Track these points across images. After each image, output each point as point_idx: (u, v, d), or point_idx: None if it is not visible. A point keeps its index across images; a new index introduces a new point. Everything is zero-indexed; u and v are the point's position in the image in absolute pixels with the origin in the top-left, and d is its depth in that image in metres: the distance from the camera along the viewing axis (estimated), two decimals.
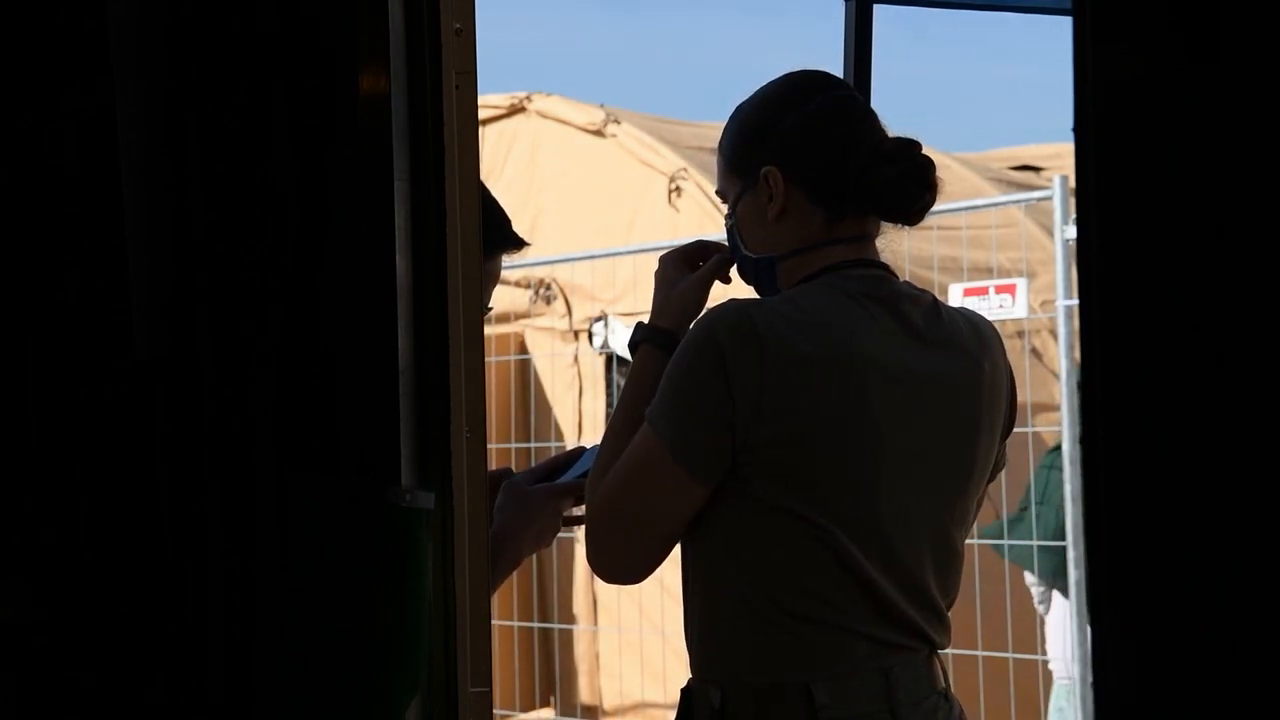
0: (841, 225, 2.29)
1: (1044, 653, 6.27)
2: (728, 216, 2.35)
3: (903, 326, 2.24)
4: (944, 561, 2.26)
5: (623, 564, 2.25)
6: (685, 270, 2.41)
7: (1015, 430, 2.38)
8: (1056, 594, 6.17)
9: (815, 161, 2.27)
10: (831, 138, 2.28)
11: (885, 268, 2.31)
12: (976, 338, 2.31)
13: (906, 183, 2.26)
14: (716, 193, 2.40)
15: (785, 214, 2.28)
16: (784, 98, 2.32)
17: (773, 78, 2.39)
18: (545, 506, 2.46)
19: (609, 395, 7.97)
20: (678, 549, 2.29)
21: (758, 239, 2.31)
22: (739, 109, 2.36)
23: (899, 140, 2.30)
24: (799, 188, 2.28)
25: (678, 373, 2.18)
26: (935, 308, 2.31)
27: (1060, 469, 5.94)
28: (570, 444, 7.63)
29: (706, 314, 2.22)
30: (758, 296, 2.30)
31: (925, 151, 2.32)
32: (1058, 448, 6.10)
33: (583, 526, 2.30)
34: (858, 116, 2.33)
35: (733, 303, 2.24)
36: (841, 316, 2.19)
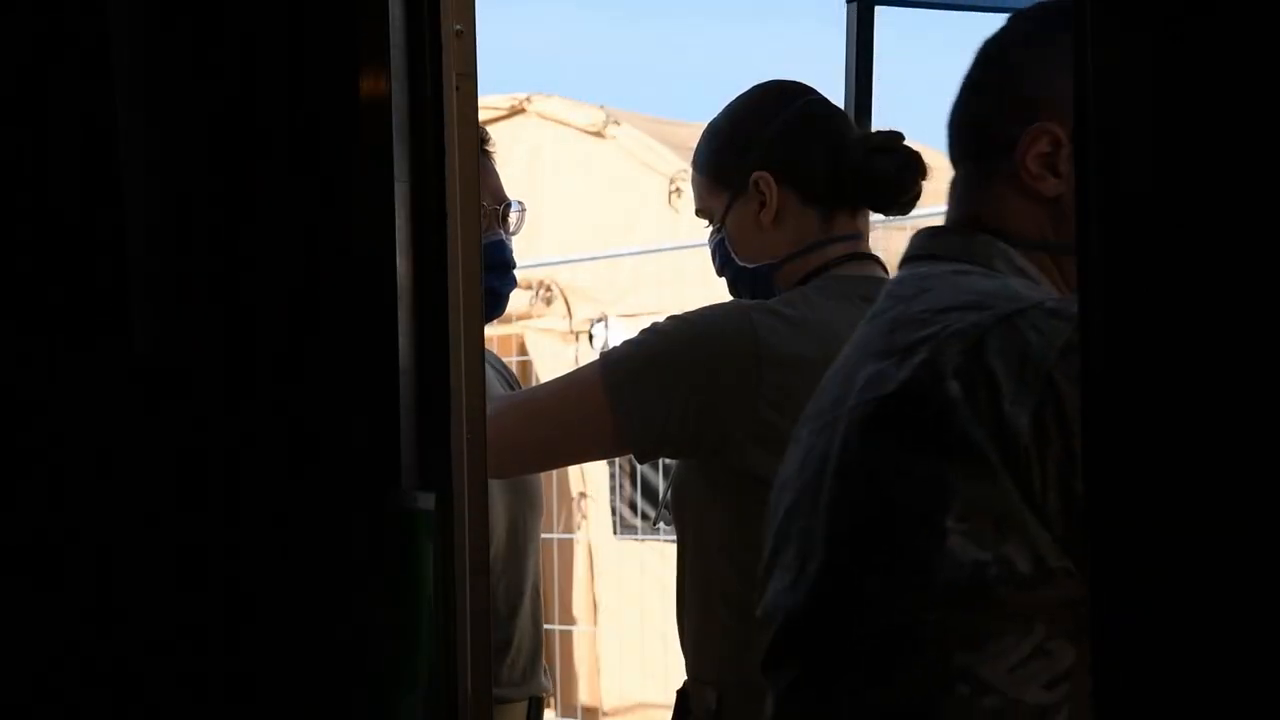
0: (836, 223, 2.30)
1: None
2: (714, 232, 2.35)
3: None
4: None
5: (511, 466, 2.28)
6: None
7: None
8: None
9: (807, 161, 2.29)
10: (820, 137, 2.30)
11: (880, 263, 2.33)
12: None
13: (903, 173, 2.28)
14: (697, 213, 2.40)
15: (779, 218, 2.29)
16: (761, 106, 2.34)
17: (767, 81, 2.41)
18: None
19: None
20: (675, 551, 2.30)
21: (752, 247, 2.32)
22: (713, 126, 2.37)
23: (884, 132, 2.33)
24: (791, 190, 2.29)
25: (660, 347, 2.18)
26: None
27: None
28: None
29: (707, 311, 2.22)
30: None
31: (927, 152, 2.33)
32: None
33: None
34: (837, 117, 2.35)
35: (735, 304, 2.24)
36: (841, 319, 2.20)
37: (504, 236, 2.66)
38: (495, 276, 2.59)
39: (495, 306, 2.63)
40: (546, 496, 8.12)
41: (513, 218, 2.69)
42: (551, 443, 2.23)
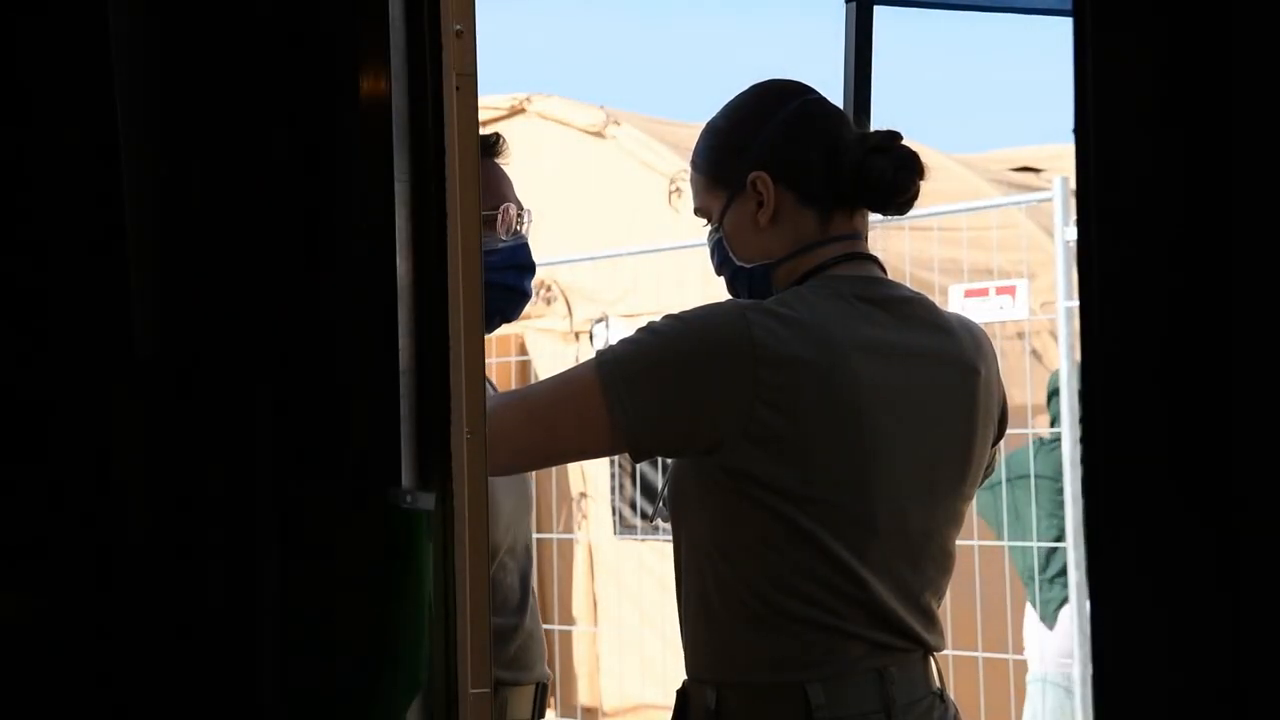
0: (833, 223, 2.30)
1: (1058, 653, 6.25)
2: (713, 231, 2.35)
3: (898, 329, 2.24)
4: (937, 564, 2.27)
5: (505, 465, 2.26)
6: None
7: (1016, 430, 2.40)
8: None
9: (804, 162, 2.29)
10: (816, 137, 2.30)
11: (878, 262, 2.33)
12: (973, 342, 2.32)
13: (900, 173, 2.28)
14: (695, 212, 2.40)
15: (776, 218, 2.29)
16: (759, 105, 2.34)
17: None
18: None
19: None
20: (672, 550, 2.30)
21: (751, 247, 2.31)
22: (711, 125, 2.37)
23: (882, 132, 2.33)
24: (788, 190, 2.29)
25: (656, 346, 2.18)
26: (931, 310, 2.31)
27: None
28: None
29: (703, 311, 2.23)
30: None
31: (927, 152, 2.33)
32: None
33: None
34: (834, 116, 2.35)
35: (730, 303, 2.24)
36: (836, 319, 2.20)
37: (526, 239, 2.73)
38: (526, 277, 2.68)
39: (520, 306, 2.70)
40: (546, 497, 8.14)
41: (525, 224, 2.76)
42: (547, 441, 2.23)
